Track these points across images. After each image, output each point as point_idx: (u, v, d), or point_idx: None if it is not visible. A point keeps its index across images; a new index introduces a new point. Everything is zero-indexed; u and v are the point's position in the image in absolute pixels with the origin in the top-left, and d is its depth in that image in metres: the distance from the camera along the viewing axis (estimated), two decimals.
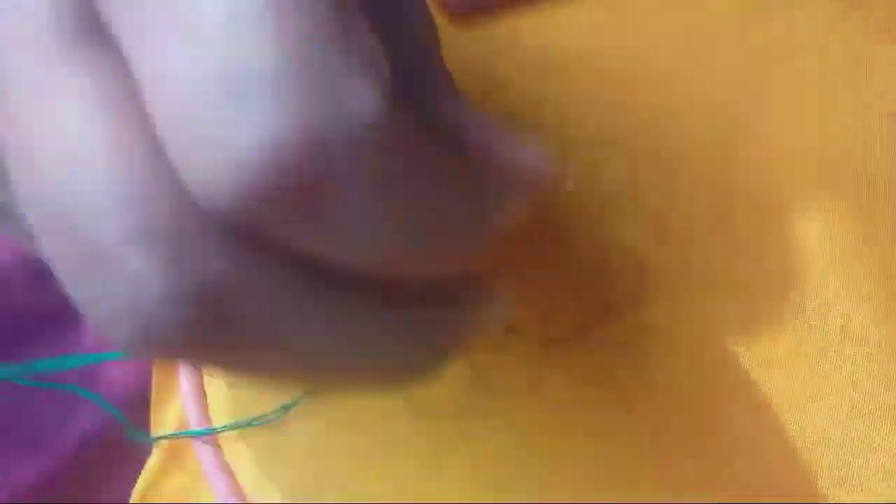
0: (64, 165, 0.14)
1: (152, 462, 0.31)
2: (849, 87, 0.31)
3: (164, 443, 0.30)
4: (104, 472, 0.40)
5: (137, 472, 0.41)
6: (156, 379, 0.32)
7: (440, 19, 0.33)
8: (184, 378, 0.29)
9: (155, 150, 0.14)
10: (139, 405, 0.42)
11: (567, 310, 0.28)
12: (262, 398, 0.28)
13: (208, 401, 0.28)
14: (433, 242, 0.16)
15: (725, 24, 0.33)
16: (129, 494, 0.41)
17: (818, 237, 0.28)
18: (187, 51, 0.13)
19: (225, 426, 0.28)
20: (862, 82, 0.31)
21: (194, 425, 0.28)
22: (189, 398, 0.28)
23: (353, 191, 0.14)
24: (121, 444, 0.40)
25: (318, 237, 0.14)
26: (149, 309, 0.14)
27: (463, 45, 0.34)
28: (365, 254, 0.15)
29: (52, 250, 0.15)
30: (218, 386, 0.28)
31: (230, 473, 0.27)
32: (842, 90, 0.31)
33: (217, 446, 0.28)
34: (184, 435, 0.28)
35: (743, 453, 0.26)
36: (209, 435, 0.28)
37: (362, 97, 0.14)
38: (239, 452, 0.28)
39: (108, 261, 0.14)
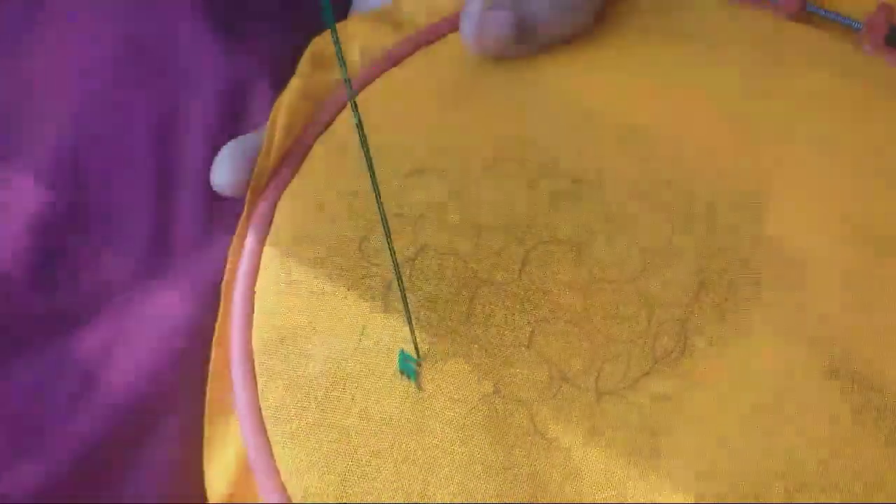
0: None
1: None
2: (858, 143, 0.34)
3: (225, 490, 0.31)
4: (108, 475, 0.40)
5: (146, 476, 0.42)
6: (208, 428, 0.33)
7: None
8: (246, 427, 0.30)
9: None
10: (142, 408, 0.42)
11: (618, 363, 0.30)
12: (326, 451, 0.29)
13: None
14: None
15: (746, 88, 0.35)
16: (136, 498, 0.41)
17: (843, 288, 0.31)
18: None
19: None
20: (869, 136, 0.34)
21: (257, 470, 0.29)
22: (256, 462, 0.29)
23: None
24: (126, 446, 0.41)
25: None
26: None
27: (492, 101, 0.35)
28: None
29: None
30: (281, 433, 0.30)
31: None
32: (852, 147, 0.34)
33: (282, 487, 0.29)
34: None
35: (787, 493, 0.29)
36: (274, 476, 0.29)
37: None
38: (305, 490, 0.29)
39: None
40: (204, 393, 0.34)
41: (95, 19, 0.44)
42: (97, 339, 0.42)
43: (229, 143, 0.35)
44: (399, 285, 0.28)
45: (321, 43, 0.37)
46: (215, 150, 0.35)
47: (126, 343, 0.42)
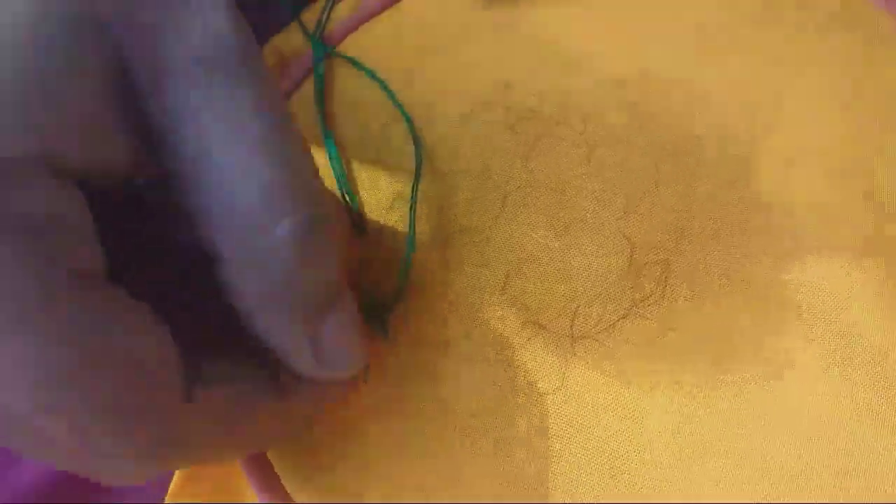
0: None
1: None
2: (860, 93, 0.32)
3: None
4: None
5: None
6: None
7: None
8: None
9: None
10: None
11: (594, 305, 0.29)
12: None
13: None
14: None
15: (737, 33, 0.33)
16: (138, 493, 0.41)
17: (831, 241, 0.29)
18: None
19: None
20: (870, 88, 0.32)
21: None
22: None
23: None
24: None
25: None
26: None
27: (476, 44, 0.34)
28: None
29: None
30: None
31: (272, 472, 0.28)
32: (851, 97, 0.32)
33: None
34: None
35: (767, 450, 0.27)
36: None
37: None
38: (279, 453, 0.28)
39: None
40: None
41: None
42: None
43: None
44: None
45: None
46: None
47: None
